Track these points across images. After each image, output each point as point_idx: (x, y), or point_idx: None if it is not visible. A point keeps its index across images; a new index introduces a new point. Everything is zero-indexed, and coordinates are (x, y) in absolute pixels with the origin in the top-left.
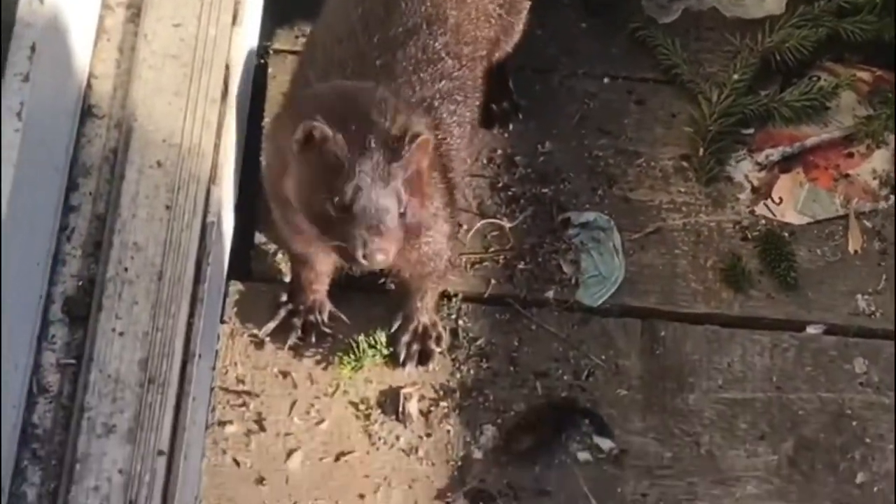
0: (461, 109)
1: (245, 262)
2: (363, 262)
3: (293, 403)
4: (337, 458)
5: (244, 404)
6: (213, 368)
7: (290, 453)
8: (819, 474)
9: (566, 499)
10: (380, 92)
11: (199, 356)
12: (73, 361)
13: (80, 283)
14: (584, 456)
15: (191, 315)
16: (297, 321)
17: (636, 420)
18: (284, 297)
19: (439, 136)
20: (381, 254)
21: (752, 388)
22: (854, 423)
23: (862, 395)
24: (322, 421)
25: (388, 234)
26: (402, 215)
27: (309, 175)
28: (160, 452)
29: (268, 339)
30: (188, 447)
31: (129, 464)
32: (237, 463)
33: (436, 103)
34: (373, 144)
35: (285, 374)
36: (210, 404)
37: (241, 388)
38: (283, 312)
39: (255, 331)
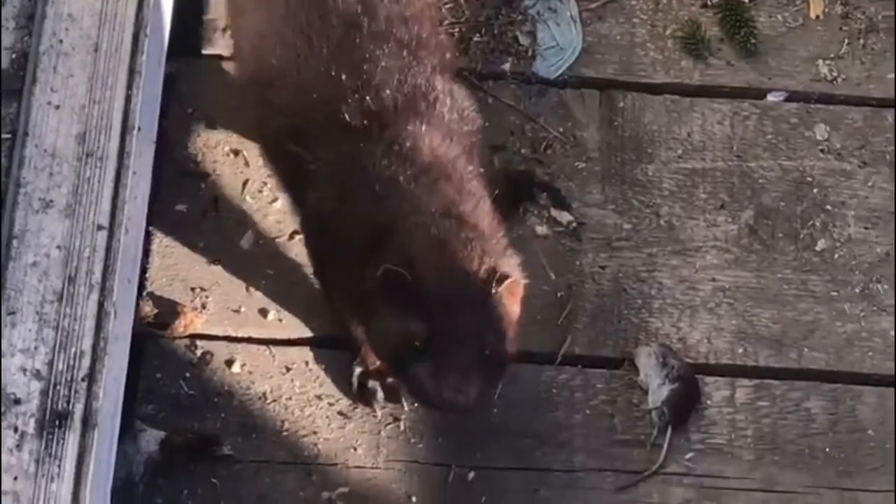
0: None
1: (194, 40)
2: (440, 408)
3: (245, 182)
4: (290, 237)
5: (196, 185)
6: (162, 150)
7: (242, 233)
8: (779, 242)
9: (525, 273)
10: (465, 231)
11: (139, 129)
12: (8, 136)
13: (14, 57)
14: (541, 230)
15: (129, 87)
16: (375, 384)
17: (594, 192)
18: (357, 368)
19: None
20: (462, 398)
21: (712, 157)
22: (815, 191)
23: (823, 162)
24: (275, 200)
25: (469, 378)
26: (485, 359)
27: (387, 316)
28: (100, 227)
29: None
30: (129, 221)
31: (67, 239)
32: (189, 244)
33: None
34: (460, 288)
35: (237, 153)
36: (158, 183)
37: (192, 168)
38: (356, 381)
39: (205, 110)
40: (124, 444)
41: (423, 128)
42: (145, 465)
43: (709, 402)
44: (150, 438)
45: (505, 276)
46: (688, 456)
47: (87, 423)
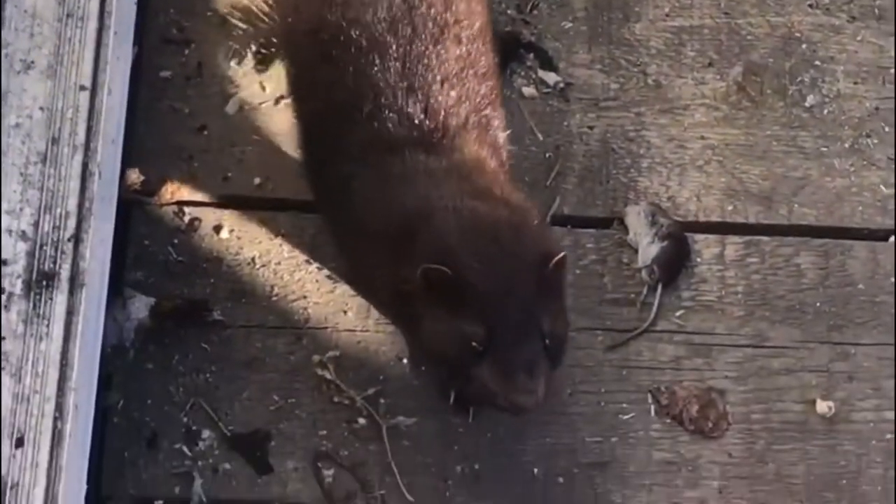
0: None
1: None
2: (509, 410)
3: (230, 48)
4: (276, 102)
5: (180, 51)
6: (145, 17)
7: (228, 98)
8: (768, 99)
9: (513, 135)
10: (506, 214)
11: None
12: None
13: None
14: (528, 91)
15: None
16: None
17: (581, 52)
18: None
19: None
20: (531, 398)
21: (700, 14)
22: (803, 46)
23: (811, 18)
24: (261, 65)
25: (535, 373)
26: (545, 347)
27: (435, 319)
28: (82, 88)
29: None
30: (111, 82)
31: (50, 100)
32: (174, 110)
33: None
34: (507, 276)
35: (222, 20)
36: (142, 50)
37: (175, 35)
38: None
39: None
40: (114, 311)
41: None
42: (135, 331)
43: (698, 259)
44: (140, 305)
45: (552, 254)
46: (678, 313)
47: (75, 282)
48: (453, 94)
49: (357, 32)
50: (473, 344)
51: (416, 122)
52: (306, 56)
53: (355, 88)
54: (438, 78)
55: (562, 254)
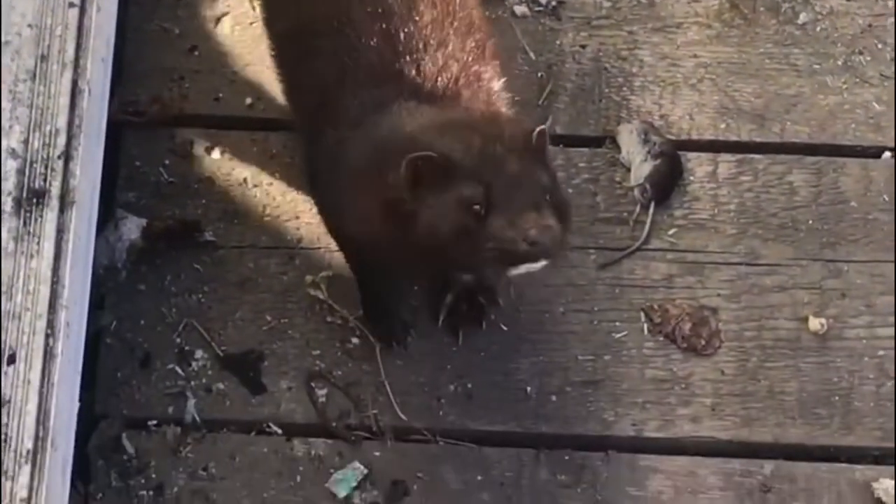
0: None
1: None
2: (530, 255)
3: None
4: None
5: None
6: None
7: (219, 18)
8: (761, 16)
9: (505, 55)
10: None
11: None
12: None
13: None
14: (521, 10)
15: None
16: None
17: None
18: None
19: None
20: (548, 233)
21: None
22: None
23: None
24: None
25: (544, 212)
26: (547, 199)
27: (431, 201)
28: (71, 4)
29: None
30: None
31: (39, 17)
32: (165, 31)
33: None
34: (492, 146)
35: None
36: None
37: None
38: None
39: None
40: (106, 233)
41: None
42: (127, 252)
43: (691, 177)
44: (132, 226)
45: (530, 129)
46: (670, 232)
47: (65, 200)
48: (439, 56)
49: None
50: (475, 207)
51: (406, 89)
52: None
53: (339, 66)
54: (421, 45)
55: (541, 126)
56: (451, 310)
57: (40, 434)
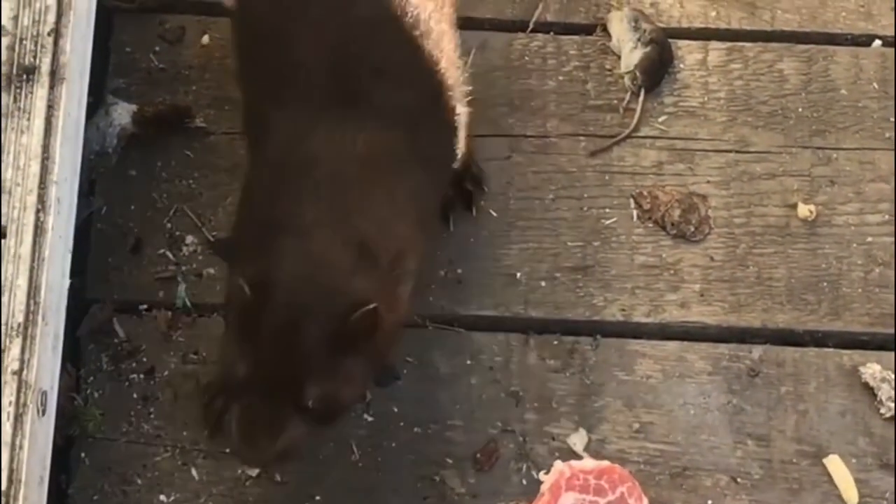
0: None
1: None
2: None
3: None
4: None
5: None
6: None
7: None
8: None
9: None
10: (349, 249)
11: None
12: None
13: None
14: None
15: None
16: None
17: None
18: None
19: None
20: (253, 455)
21: None
22: None
23: None
24: None
25: (273, 433)
26: (306, 407)
27: (225, 338)
28: None
29: None
30: None
31: None
32: None
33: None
34: (297, 318)
35: None
36: None
37: None
38: None
39: None
40: (97, 119)
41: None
42: (118, 137)
43: (681, 65)
44: (123, 111)
45: (360, 305)
46: (661, 119)
47: (55, 76)
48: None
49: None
50: (237, 379)
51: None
52: None
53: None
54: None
55: (368, 307)
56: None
57: (31, 308)
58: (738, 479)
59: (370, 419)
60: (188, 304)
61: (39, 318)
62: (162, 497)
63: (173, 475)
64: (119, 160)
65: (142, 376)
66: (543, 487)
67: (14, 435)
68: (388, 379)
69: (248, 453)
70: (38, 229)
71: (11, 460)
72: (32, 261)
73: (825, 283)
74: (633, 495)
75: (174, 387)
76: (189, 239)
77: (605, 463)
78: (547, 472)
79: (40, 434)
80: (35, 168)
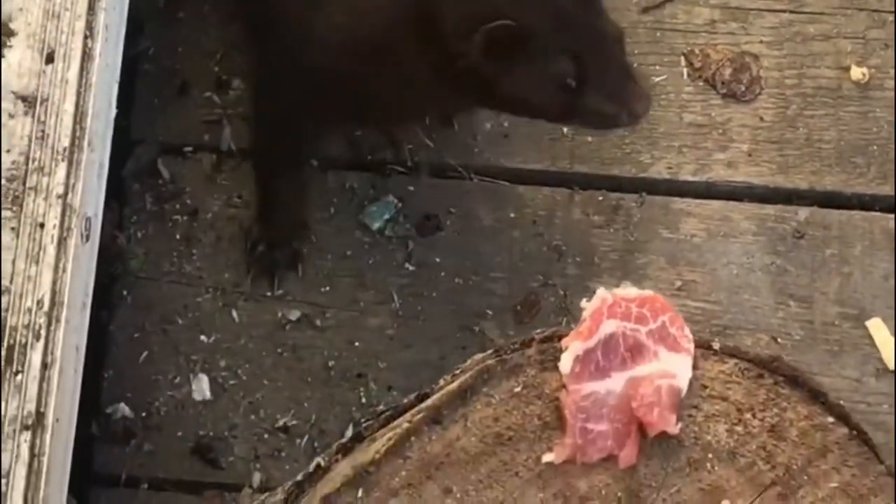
0: None
1: None
2: (630, 124)
3: None
4: None
5: None
6: None
7: None
8: None
9: None
10: None
11: None
12: None
13: None
14: None
15: None
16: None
17: None
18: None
19: None
20: (647, 102)
21: None
22: None
23: None
24: None
25: (637, 77)
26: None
27: (517, 76)
28: None
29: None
30: None
31: None
32: None
33: None
34: (560, 7)
35: None
36: None
37: None
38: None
39: None
40: None
41: None
42: None
43: None
44: None
45: None
46: None
47: None
48: None
49: None
50: (569, 81)
51: None
52: None
53: None
54: None
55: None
56: None
57: (77, 133)
58: (779, 339)
59: (412, 268)
60: (233, 147)
61: (85, 144)
62: (203, 337)
63: (214, 316)
64: (168, 2)
65: (185, 217)
66: (585, 314)
67: (58, 258)
68: (431, 229)
69: (641, 104)
70: (86, 55)
71: (55, 283)
72: (79, 86)
73: (875, 147)
74: (674, 324)
75: (217, 229)
76: (235, 83)
77: (648, 292)
78: (589, 300)
79: (84, 259)
80: None
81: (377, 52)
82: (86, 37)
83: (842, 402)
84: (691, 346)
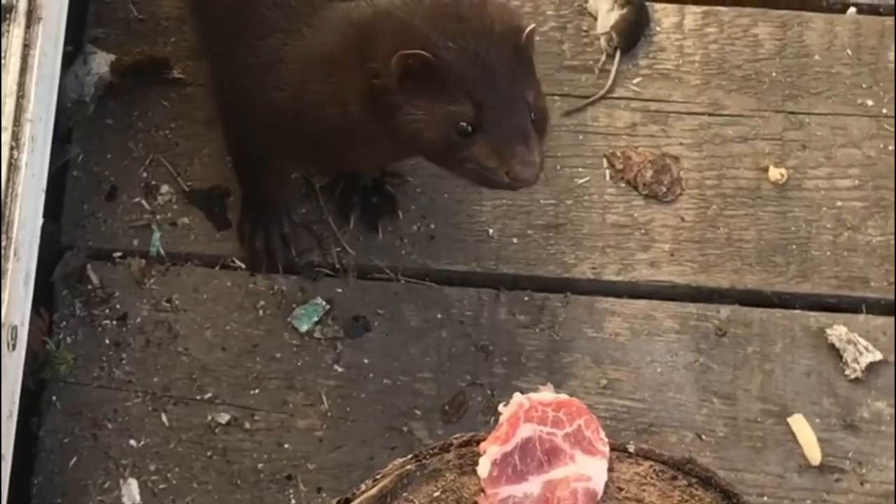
0: None
1: None
2: (510, 186)
3: None
4: None
5: None
6: None
7: None
8: None
9: None
10: None
11: None
12: None
13: None
14: None
15: None
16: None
17: None
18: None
19: None
20: (531, 169)
21: None
22: None
23: None
24: None
25: (531, 144)
26: (532, 120)
27: (417, 108)
28: None
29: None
30: None
31: None
32: None
33: None
34: (484, 51)
35: None
36: None
37: None
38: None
39: None
40: (75, 67)
41: None
42: (96, 86)
43: (657, 27)
44: (101, 60)
45: (521, 27)
46: (635, 81)
47: (32, 16)
48: None
49: None
50: (462, 124)
51: None
52: None
53: None
54: None
55: (531, 26)
56: (363, 207)
57: (3, 243)
58: (703, 437)
59: (340, 370)
60: (162, 252)
61: (11, 254)
62: (132, 442)
63: (143, 420)
64: (96, 109)
65: (114, 322)
66: (502, 418)
67: None
68: (359, 330)
69: (524, 170)
70: (12, 166)
71: None
72: (6, 196)
73: (794, 246)
74: (590, 428)
75: (146, 334)
76: (164, 188)
77: (564, 396)
78: (506, 405)
79: (10, 368)
80: (10, 106)
81: (323, 75)
82: (12, 148)
83: (765, 498)
84: (606, 449)
